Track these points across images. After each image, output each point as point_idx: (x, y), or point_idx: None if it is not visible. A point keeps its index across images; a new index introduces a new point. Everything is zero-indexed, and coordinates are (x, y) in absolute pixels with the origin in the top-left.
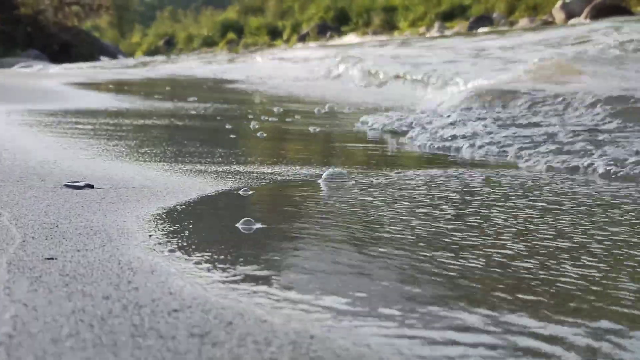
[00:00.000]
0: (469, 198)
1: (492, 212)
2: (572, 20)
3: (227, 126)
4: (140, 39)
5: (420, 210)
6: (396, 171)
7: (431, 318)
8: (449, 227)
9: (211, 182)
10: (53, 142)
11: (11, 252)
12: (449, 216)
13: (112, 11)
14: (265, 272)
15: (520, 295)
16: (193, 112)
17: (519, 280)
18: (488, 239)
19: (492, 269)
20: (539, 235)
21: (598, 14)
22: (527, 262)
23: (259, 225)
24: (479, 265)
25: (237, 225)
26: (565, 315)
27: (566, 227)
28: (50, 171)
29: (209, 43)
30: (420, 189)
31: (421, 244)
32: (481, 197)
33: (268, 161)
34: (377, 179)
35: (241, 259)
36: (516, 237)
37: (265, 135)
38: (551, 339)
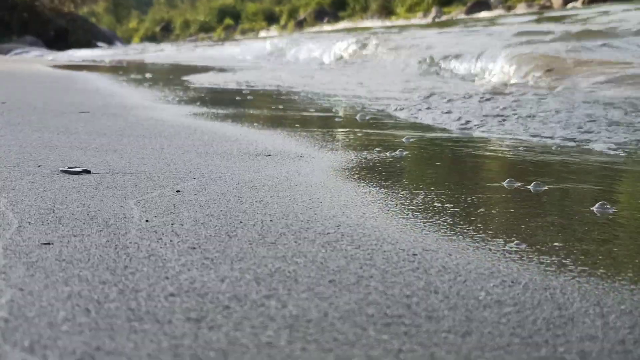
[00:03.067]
0: None
1: None
2: (569, 5)
3: None
4: (137, 24)
5: None
6: None
7: None
8: None
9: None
10: None
11: (7, 238)
12: None
13: None
14: None
15: None
16: None
17: None
18: None
19: None
20: None
21: None
22: None
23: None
24: None
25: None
26: None
27: None
28: (47, 156)
29: (206, 29)
30: None
31: None
32: None
33: None
34: None
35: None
36: None
37: None
38: None
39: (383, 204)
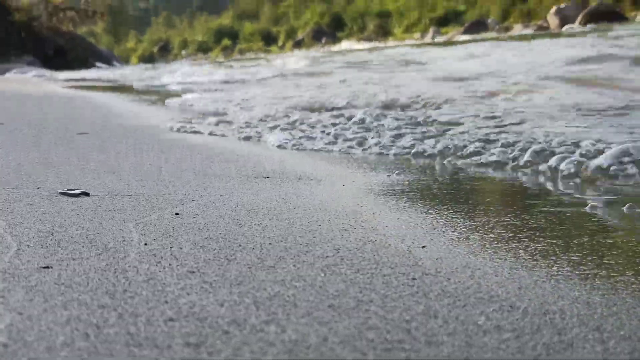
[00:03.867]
0: None
1: None
2: (567, 27)
3: None
4: (135, 44)
5: None
6: None
7: None
8: None
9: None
10: None
11: (6, 261)
12: None
13: (108, 17)
14: None
15: None
16: None
17: None
18: None
19: None
20: None
21: (592, 19)
22: None
23: None
24: None
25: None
26: None
27: None
28: (46, 178)
29: (204, 49)
30: None
31: None
32: None
33: None
34: None
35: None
36: None
37: None
38: None
39: (384, 227)
